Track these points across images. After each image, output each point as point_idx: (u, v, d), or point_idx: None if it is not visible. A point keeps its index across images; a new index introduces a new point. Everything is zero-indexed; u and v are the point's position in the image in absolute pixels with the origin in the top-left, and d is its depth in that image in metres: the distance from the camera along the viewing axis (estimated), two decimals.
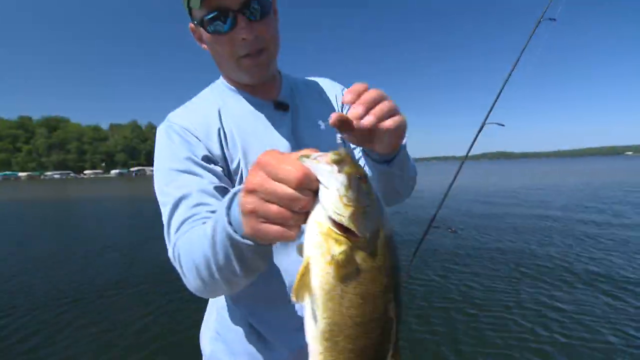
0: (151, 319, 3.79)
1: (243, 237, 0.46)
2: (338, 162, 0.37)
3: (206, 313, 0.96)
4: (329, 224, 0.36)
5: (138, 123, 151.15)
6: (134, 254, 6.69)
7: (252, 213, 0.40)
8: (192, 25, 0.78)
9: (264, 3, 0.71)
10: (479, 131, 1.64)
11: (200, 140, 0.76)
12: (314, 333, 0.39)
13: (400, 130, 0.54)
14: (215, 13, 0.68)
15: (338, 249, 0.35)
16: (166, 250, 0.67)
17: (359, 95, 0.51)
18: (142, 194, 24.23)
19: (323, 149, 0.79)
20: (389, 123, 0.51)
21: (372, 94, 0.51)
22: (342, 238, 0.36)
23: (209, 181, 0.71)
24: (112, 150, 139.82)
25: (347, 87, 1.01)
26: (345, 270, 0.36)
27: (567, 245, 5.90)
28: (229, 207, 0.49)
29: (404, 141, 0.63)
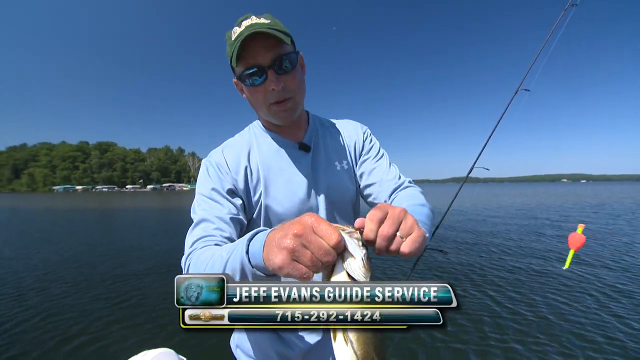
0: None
1: (254, 266, 0.50)
2: (359, 239, 0.47)
3: None
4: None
5: (170, 148, 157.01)
6: (162, 248, 7.57)
7: (290, 251, 0.42)
8: (234, 80, 0.81)
9: (291, 59, 0.74)
10: (469, 173, 1.73)
11: (229, 175, 0.80)
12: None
13: (417, 250, 0.50)
14: (251, 69, 0.73)
15: None
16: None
17: (378, 226, 0.48)
18: (170, 205, 25.39)
19: (336, 186, 0.89)
20: (405, 251, 0.49)
21: (387, 228, 0.48)
22: None
23: (228, 211, 0.75)
24: (148, 170, 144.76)
25: (368, 128, 0.98)
26: None
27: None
28: (249, 240, 0.51)
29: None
